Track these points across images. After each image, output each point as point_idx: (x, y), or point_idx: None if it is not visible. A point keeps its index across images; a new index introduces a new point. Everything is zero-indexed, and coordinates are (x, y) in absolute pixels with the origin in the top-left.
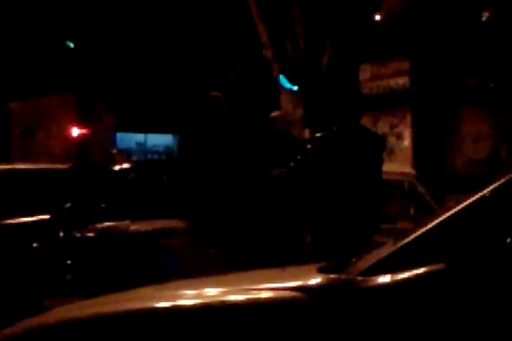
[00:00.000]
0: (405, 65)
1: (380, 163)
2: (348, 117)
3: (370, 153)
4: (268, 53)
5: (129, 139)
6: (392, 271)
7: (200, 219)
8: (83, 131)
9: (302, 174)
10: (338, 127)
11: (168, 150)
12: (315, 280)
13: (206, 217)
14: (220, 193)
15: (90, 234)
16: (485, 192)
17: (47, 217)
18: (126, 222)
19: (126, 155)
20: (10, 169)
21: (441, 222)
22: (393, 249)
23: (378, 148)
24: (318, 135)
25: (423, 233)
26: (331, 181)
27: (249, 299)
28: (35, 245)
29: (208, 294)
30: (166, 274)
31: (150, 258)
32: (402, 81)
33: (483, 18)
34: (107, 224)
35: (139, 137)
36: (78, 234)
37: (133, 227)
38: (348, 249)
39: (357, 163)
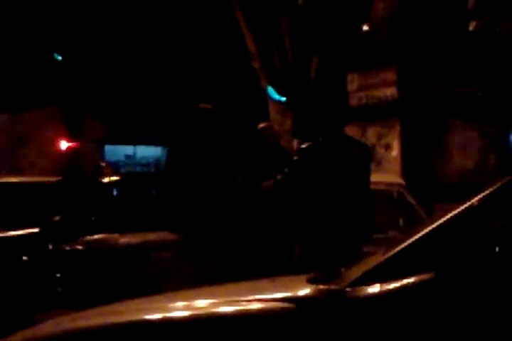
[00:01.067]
0: (393, 75)
1: (367, 172)
2: (333, 127)
3: (355, 163)
4: (256, 64)
5: (118, 151)
6: (382, 280)
7: (189, 231)
8: (72, 144)
9: (290, 186)
10: (323, 138)
11: (157, 162)
12: (304, 291)
13: (196, 228)
14: (209, 204)
15: (80, 247)
16: (473, 201)
17: (36, 230)
18: (116, 235)
19: (115, 167)
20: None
21: (430, 231)
22: (382, 258)
23: (364, 158)
24: (303, 146)
25: (412, 243)
26: (317, 192)
27: (239, 310)
28: (24, 258)
29: (199, 306)
30: (156, 286)
31: (140, 271)
32: (390, 91)
33: (470, 28)
34: (96, 236)
35: (128, 149)
36: (68, 247)
37: (122, 240)
38: (336, 259)
39: (342, 173)
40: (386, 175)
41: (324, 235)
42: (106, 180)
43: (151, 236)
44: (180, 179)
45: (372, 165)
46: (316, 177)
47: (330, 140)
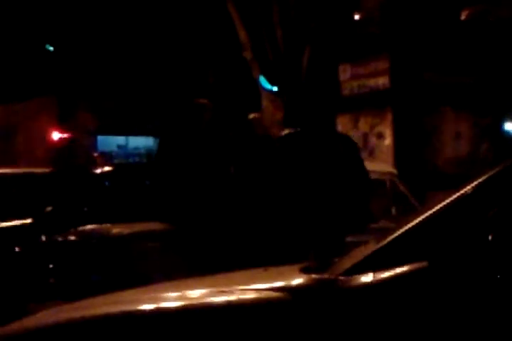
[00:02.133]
0: (385, 65)
1: (355, 163)
2: (323, 117)
3: (336, 153)
4: (248, 54)
5: (110, 142)
6: (375, 269)
7: (180, 222)
8: (64, 134)
9: (270, 173)
10: (303, 127)
11: (149, 152)
12: (297, 281)
13: (187, 219)
14: (200, 196)
15: (72, 238)
16: (466, 189)
17: (28, 221)
18: (108, 225)
19: (107, 158)
20: None
21: (423, 220)
22: (375, 247)
23: (347, 149)
24: (283, 134)
25: (405, 231)
26: (297, 180)
27: (232, 300)
28: (17, 249)
29: (191, 296)
30: (147, 277)
31: (131, 261)
32: (382, 80)
33: (462, 17)
34: (88, 227)
35: (121, 140)
36: (60, 238)
37: (114, 230)
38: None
39: (320, 162)
40: (378, 164)
41: (302, 223)
42: (98, 170)
43: (143, 226)
44: (171, 170)
45: (365, 154)
46: (296, 166)
47: (310, 129)
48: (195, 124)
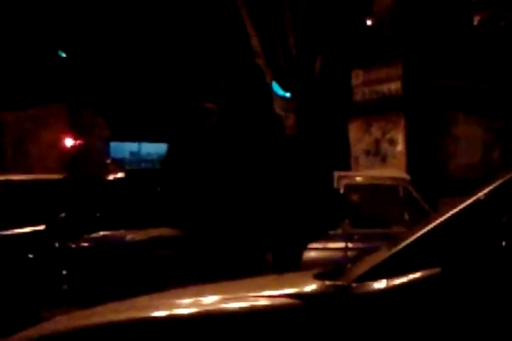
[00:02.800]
0: (398, 70)
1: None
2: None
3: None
4: (260, 61)
5: (122, 148)
6: (388, 276)
7: (193, 227)
8: (76, 141)
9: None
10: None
11: (162, 158)
12: (311, 287)
13: (198, 225)
14: (208, 201)
15: (85, 244)
16: (479, 195)
17: (42, 227)
18: (121, 232)
19: (120, 164)
20: (4, 180)
21: (436, 226)
22: (388, 254)
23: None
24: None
25: (418, 237)
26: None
27: (246, 306)
28: (30, 256)
29: (205, 302)
30: (161, 283)
31: (145, 268)
32: (394, 86)
33: (475, 22)
34: (101, 233)
35: (133, 146)
36: (73, 245)
37: (128, 236)
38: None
39: (279, 169)
40: (391, 170)
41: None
42: (111, 177)
43: (156, 232)
44: (179, 175)
45: (377, 160)
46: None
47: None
48: (200, 129)
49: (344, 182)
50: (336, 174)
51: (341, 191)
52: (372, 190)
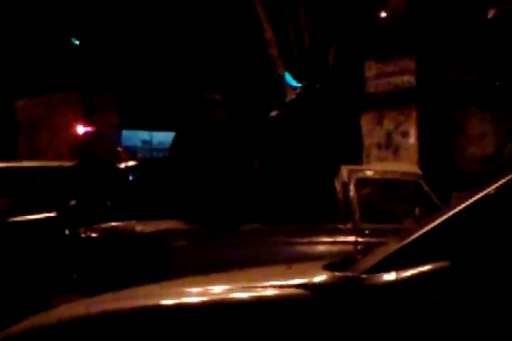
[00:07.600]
0: (411, 63)
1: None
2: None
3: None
4: (273, 51)
5: (134, 137)
6: (398, 268)
7: (202, 219)
8: (88, 128)
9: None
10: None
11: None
12: (320, 278)
13: (209, 216)
14: (220, 192)
15: (96, 234)
16: (489, 189)
17: (52, 214)
18: (132, 222)
19: (132, 152)
20: (16, 167)
21: (446, 219)
22: (398, 246)
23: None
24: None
25: (428, 230)
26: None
27: (254, 296)
28: (40, 242)
29: (214, 291)
30: (171, 275)
31: (156, 259)
32: (407, 78)
33: (489, 16)
34: (113, 224)
35: (145, 135)
36: (84, 234)
37: (139, 228)
38: None
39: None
40: (402, 165)
41: None
42: (122, 165)
43: (167, 224)
44: (185, 167)
45: (389, 153)
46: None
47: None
48: (206, 118)
49: (355, 176)
50: (347, 168)
51: (352, 185)
52: (384, 185)
